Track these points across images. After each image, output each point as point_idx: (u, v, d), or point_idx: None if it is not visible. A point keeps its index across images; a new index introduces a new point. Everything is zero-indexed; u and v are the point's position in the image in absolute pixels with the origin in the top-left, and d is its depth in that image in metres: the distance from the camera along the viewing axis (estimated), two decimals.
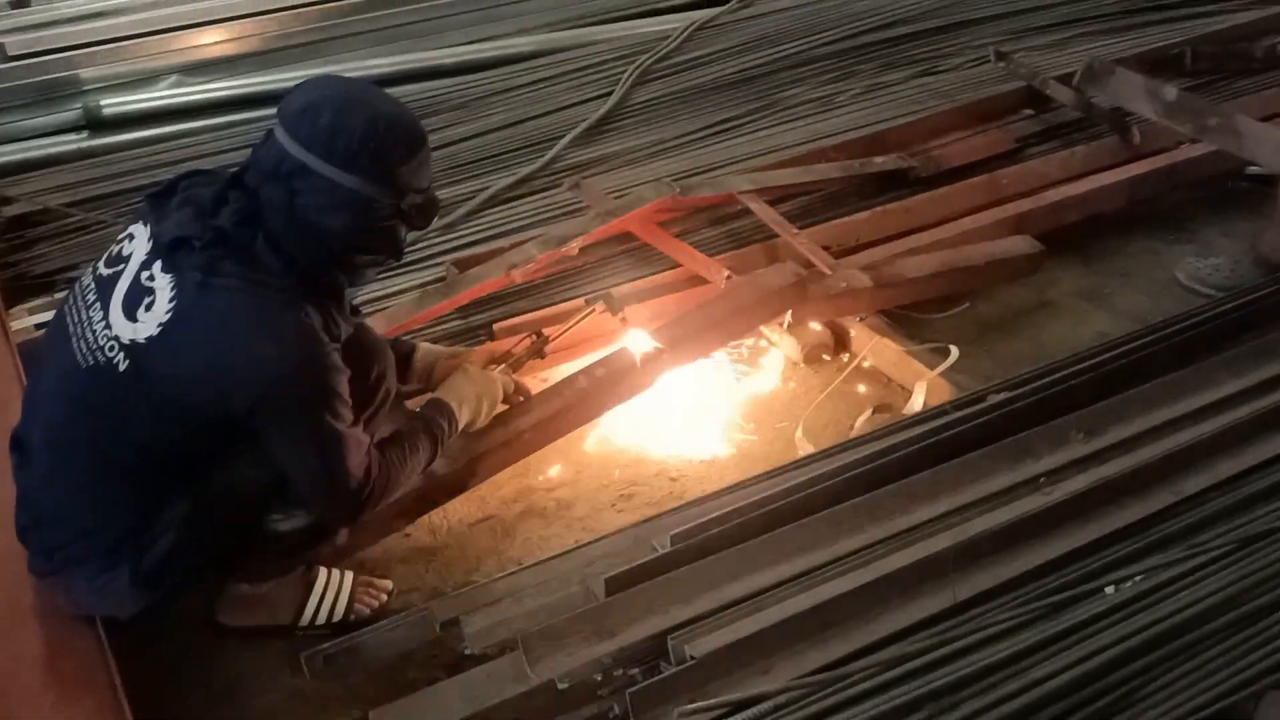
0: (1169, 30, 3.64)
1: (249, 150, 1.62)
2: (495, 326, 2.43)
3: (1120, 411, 1.93)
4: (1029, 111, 3.21)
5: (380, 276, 2.47)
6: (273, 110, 1.59)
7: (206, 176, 1.62)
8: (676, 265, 2.59)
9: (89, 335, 1.58)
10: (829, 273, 2.45)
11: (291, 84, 1.62)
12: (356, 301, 2.21)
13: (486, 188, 3.03)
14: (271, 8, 3.99)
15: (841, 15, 3.89)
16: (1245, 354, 2.03)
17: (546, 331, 2.15)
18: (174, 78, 3.78)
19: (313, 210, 1.52)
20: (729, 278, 2.43)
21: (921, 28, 3.78)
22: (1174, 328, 2.12)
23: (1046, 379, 2.02)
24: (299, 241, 1.54)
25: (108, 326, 1.56)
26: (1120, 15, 3.79)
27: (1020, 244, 2.63)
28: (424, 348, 2.02)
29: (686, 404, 2.32)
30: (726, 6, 4.05)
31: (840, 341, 2.52)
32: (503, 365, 2.03)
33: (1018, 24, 3.77)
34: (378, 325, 2.27)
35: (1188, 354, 2.07)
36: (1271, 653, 1.49)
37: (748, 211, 2.74)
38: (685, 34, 3.83)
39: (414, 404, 2.02)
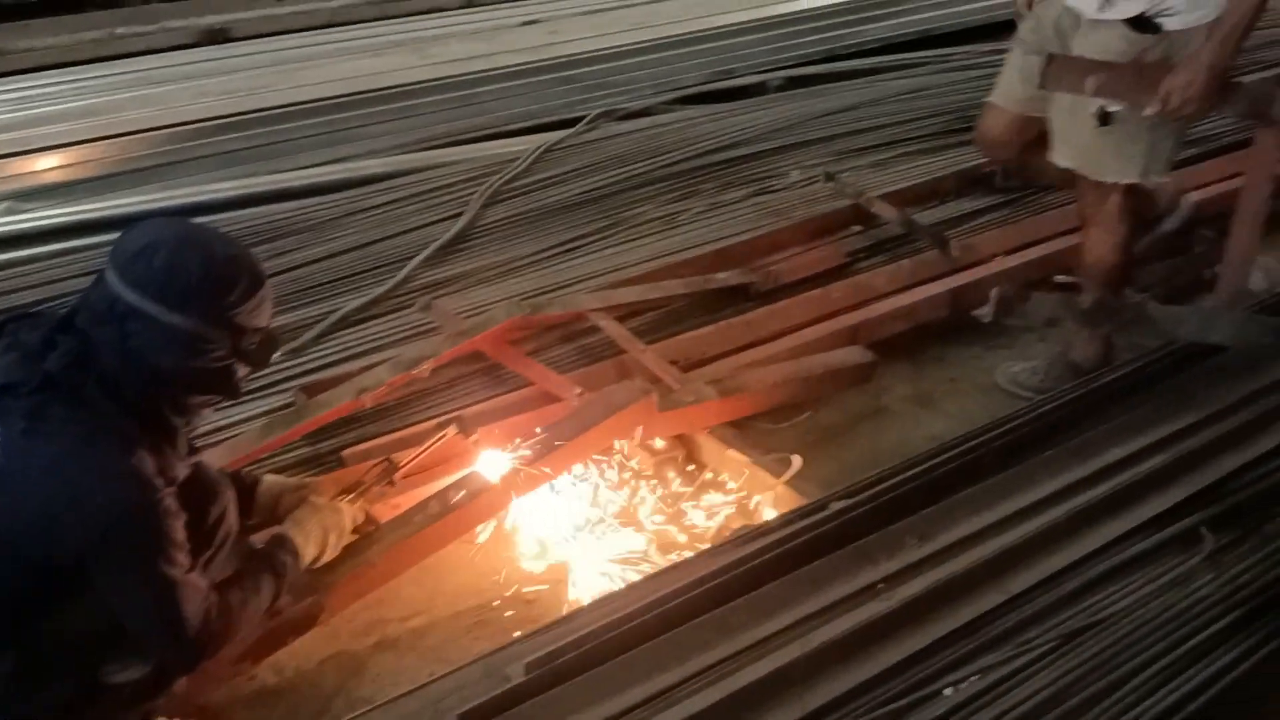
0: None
1: (87, 278, 1.59)
2: (344, 453, 2.40)
3: (950, 514, 2.03)
4: (858, 228, 3.42)
5: (224, 406, 2.42)
6: (113, 236, 1.57)
7: (32, 320, 1.58)
8: (528, 384, 2.63)
9: None
10: (676, 387, 2.53)
11: (133, 209, 1.63)
12: (198, 433, 2.16)
13: (337, 310, 3.02)
14: (113, 132, 3.93)
15: (683, 138, 4.08)
16: (1060, 455, 2.18)
17: (397, 457, 2.14)
18: (5, 204, 3.66)
19: (147, 352, 1.50)
20: (580, 395, 2.48)
21: (757, 149, 3.99)
22: (996, 431, 2.26)
23: (882, 485, 2.12)
24: (132, 384, 1.52)
25: None
26: (939, 135, 4.08)
27: (854, 354, 2.77)
28: (268, 480, 1.99)
29: (541, 523, 2.32)
30: (574, 129, 4.19)
31: (690, 454, 2.58)
32: (351, 495, 2.01)
33: (845, 145, 4.02)
34: (220, 457, 2.23)
35: (1009, 456, 2.20)
36: None
37: (598, 328, 2.81)
38: (534, 155, 3.94)
39: (260, 538, 1.97)
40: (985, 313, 2.56)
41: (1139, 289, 2.92)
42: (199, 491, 1.68)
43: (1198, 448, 2.18)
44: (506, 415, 2.53)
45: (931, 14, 5.34)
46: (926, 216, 3.45)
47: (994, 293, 2.51)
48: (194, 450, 1.73)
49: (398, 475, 2.09)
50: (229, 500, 1.77)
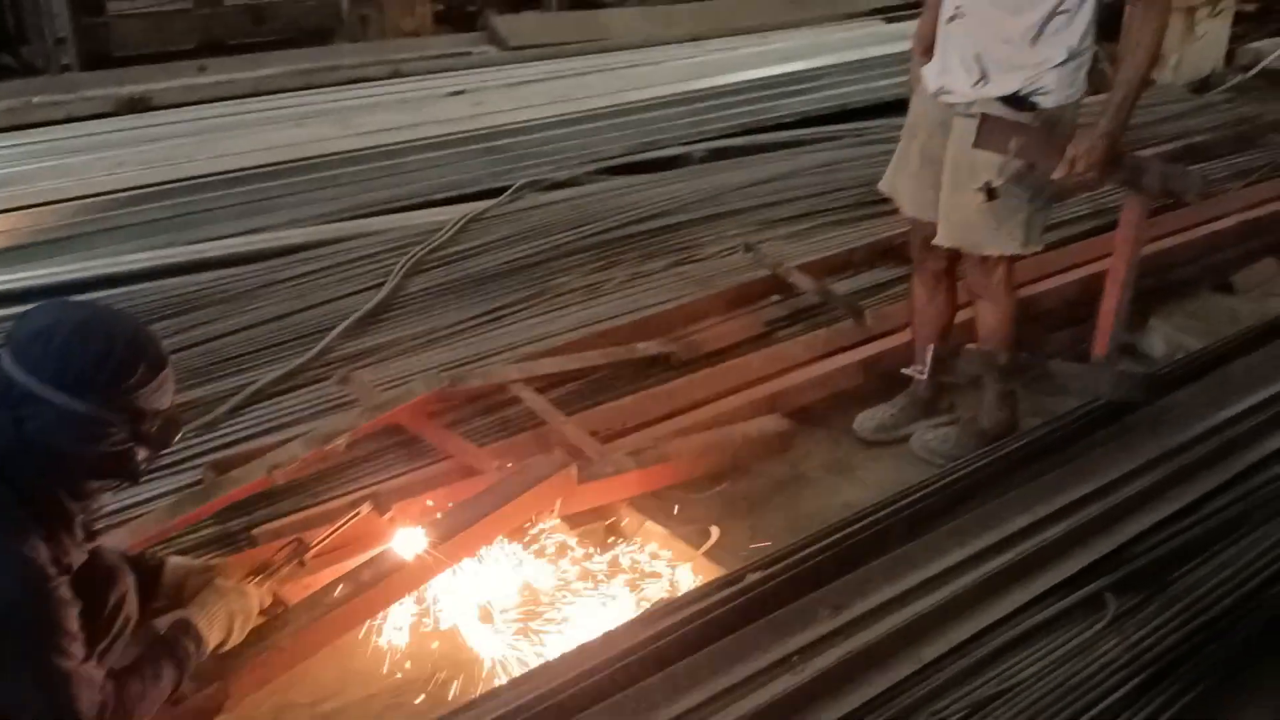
0: (896, 221, 4.06)
1: None
2: (254, 532, 2.35)
3: (863, 584, 2.05)
4: (776, 297, 3.48)
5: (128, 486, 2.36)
6: (22, 309, 1.54)
7: None
8: (447, 457, 2.61)
9: None
10: (596, 459, 2.53)
11: (45, 281, 1.60)
12: (100, 513, 2.10)
13: (252, 383, 2.98)
14: (26, 203, 3.85)
15: (606, 208, 4.14)
16: (968, 523, 2.22)
17: (309, 536, 2.10)
18: None
19: (42, 437, 1.47)
20: (499, 468, 2.47)
21: (679, 220, 4.06)
22: (906, 500, 2.30)
23: (797, 556, 2.14)
24: (26, 469, 1.48)
25: None
26: (854, 207, 4.19)
27: (771, 423, 2.81)
28: (173, 563, 1.94)
29: (458, 601, 2.29)
30: (498, 199, 4.23)
31: (611, 526, 2.58)
32: (260, 576, 1.97)
33: (765, 216, 4.10)
34: (124, 537, 2.17)
35: (919, 524, 2.24)
36: None
37: (518, 399, 2.81)
38: (458, 225, 3.96)
39: (163, 623, 1.91)
40: (919, 370, 2.67)
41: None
42: (97, 577, 1.63)
43: (1100, 513, 2.24)
44: (424, 490, 2.51)
45: (847, 89, 5.51)
46: (842, 286, 3.53)
47: (928, 350, 2.63)
48: (92, 535, 1.68)
49: (309, 555, 2.05)
50: (129, 586, 1.73)
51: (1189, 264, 3.83)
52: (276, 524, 2.38)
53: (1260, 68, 6.23)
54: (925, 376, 2.74)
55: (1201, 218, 4.00)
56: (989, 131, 2.43)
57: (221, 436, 2.76)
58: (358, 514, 2.14)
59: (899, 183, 2.79)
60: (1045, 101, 2.48)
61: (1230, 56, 6.46)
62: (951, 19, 2.53)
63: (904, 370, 2.81)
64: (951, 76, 2.55)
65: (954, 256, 2.74)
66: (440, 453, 2.63)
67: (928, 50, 2.67)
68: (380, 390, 2.80)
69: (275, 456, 2.45)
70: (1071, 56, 2.46)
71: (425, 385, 2.69)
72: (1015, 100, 2.48)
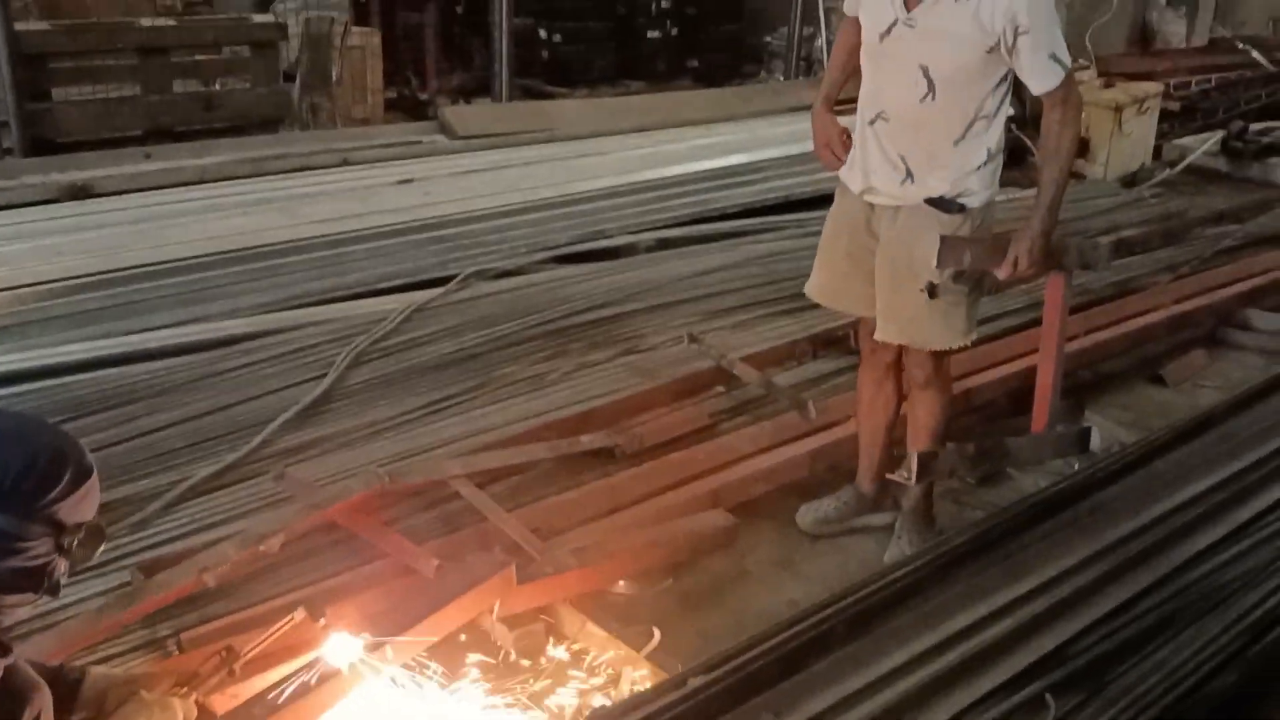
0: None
1: None
2: (183, 636, 2.27)
3: (806, 689, 2.03)
4: (721, 388, 3.50)
5: None
6: None
7: None
8: (385, 556, 2.56)
9: None
10: (537, 557, 2.50)
11: None
12: (19, 619, 2.02)
13: (187, 478, 2.92)
14: None
15: (553, 298, 4.16)
16: (909, 622, 2.22)
17: (239, 643, 2.04)
18: None
19: None
20: (438, 567, 2.43)
21: (625, 310, 4.09)
22: (848, 600, 2.29)
23: (739, 659, 2.11)
24: None
25: None
26: (798, 297, 4.23)
27: (715, 517, 2.81)
28: (94, 674, 1.87)
29: (393, 709, 2.23)
30: (444, 289, 4.23)
31: (551, 627, 2.53)
32: (186, 687, 1.90)
33: (710, 307, 4.15)
34: (46, 645, 2.10)
35: (861, 625, 2.23)
36: None
37: (459, 494, 2.78)
38: (403, 315, 3.95)
39: None
40: (906, 475, 2.70)
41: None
42: (10, 695, 1.56)
43: (1039, 612, 2.25)
44: (361, 590, 2.46)
45: (790, 180, 5.63)
46: (786, 377, 3.57)
47: (912, 457, 2.66)
48: (6, 649, 1.61)
49: (238, 664, 1.99)
50: (45, 702, 1.66)
51: (1121, 356, 3.94)
52: (206, 628, 2.31)
53: (1185, 164, 6.49)
54: (914, 482, 2.75)
55: (1133, 311, 4.12)
56: (947, 250, 2.52)
57: (152, 535, 2.69)
58: (291, 620, 2.08)
59: (830, 285, 2.84)
60: (971, 202, 2.57)
61: (1157, 152, 6.73)
62: (873, 121, 2.60)
63: (889, 476, 2.81)
64: (877, 177, 2.61)
65: (901, 348, 2.79)
66: (378, 551, 2.58)
67: (832, 101, 2.76)
68: (317, 486, 2.75)
69: (206, 558, 2.39)
70: (990, 158, 2.56)
71: (363, 482, 2.65)
72: (943, 203, 2.55)
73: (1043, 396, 2.84)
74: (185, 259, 4.04)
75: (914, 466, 2.68)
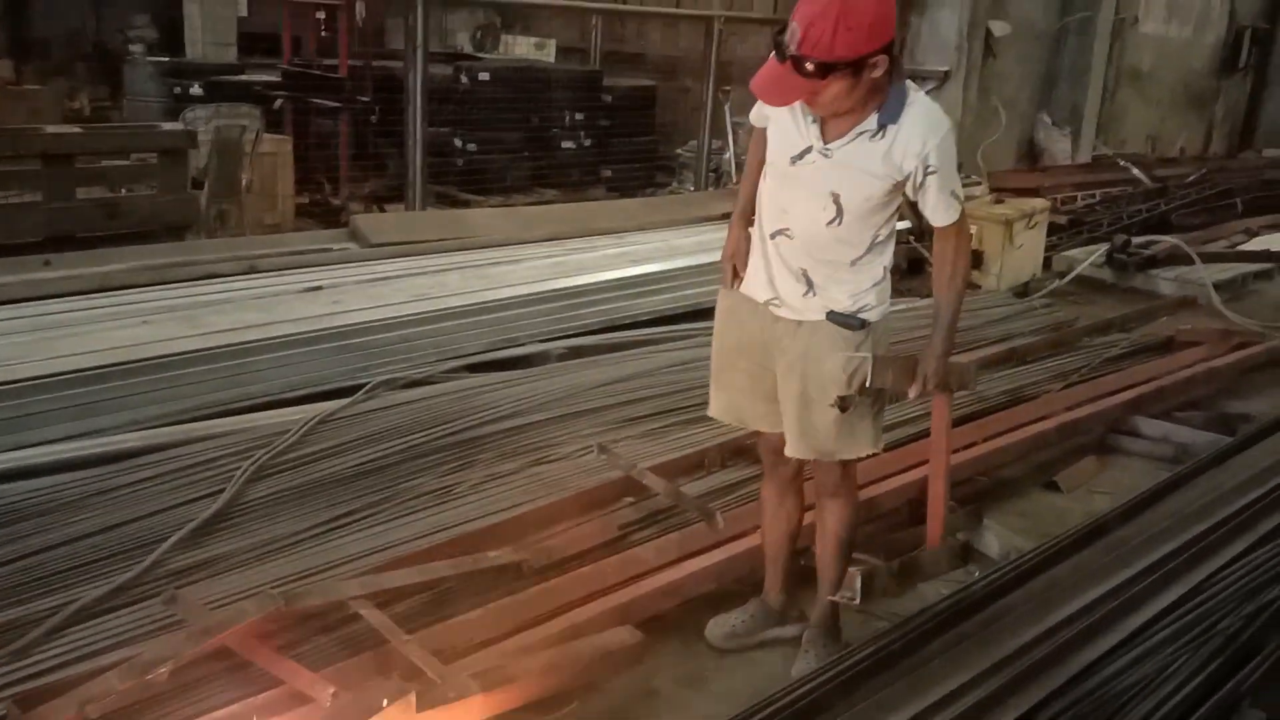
0: None
1: None
2: None
3: None
4: (630, 499, 3.50)
5: None
6: None
7: None
8: (279, 683, 2.47)
9: None
10: (439, 681, 2.44)
11: None
12: None
13: (73, 602, 2.79)
14: None
15: (462, 408, 4.13)
16: None
17: None
18: None
19: None
20: (334, 695, 2.35)
21: (536, 419, 4.08)
22: (755, 717, 2.28)
23: None
24: None
25: None
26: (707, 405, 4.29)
27: (622, 634, 2.77)
28: None
29: None
30: (351, 399, 4.18)
31: None
32: None
33: (620, 415, 4.17)
34: None
35: None
36: None
37: (359, 615, 2.71)
38: (306, 427, 3.87)
39: None
40: (851, 595, 2.76)
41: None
42: None
43: (972, 705, 2.26)
44: None
45: (700, 289, 5.74)
46: (695, 487, 3.59)
47: (856, 575, 2.74)
48: None
49: None
50: None
51: (1016, 463, 4.06)
52: None
53: (1074, 275, 6.82)
54: (858, 602, 2.81)
55: (1026, 419, 4.26)
56: (879, 368, 2.62)
57: (34, 664, 2.55)
58: None
59: (733, 405, 2.88)
60: (871, 316, 2.65)
61: (1047, 264, 7.07)
62: (775, 235, 2.67)
63: (831, 598, 2.86)
64: (782, 287, 2.68)
65: (803, 461, 2.83)
66: (272, 679, 2.49)
67: (748, 215, 2.81)
68: (210, 610, 2.66)
69: (89, 689, 2.28)
70: (885, 275, 2.66)
71: (257, 606, 2.57)
72: (845, 319, 2.63)
73: (935, 509, 2.92)
74: (81, 370, 3.91)
75: (857, 587, 2.77)
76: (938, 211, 2.55)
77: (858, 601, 2.77)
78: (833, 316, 2.64)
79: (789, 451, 2.74)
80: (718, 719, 2.42)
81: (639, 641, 2.76)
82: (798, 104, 2.49)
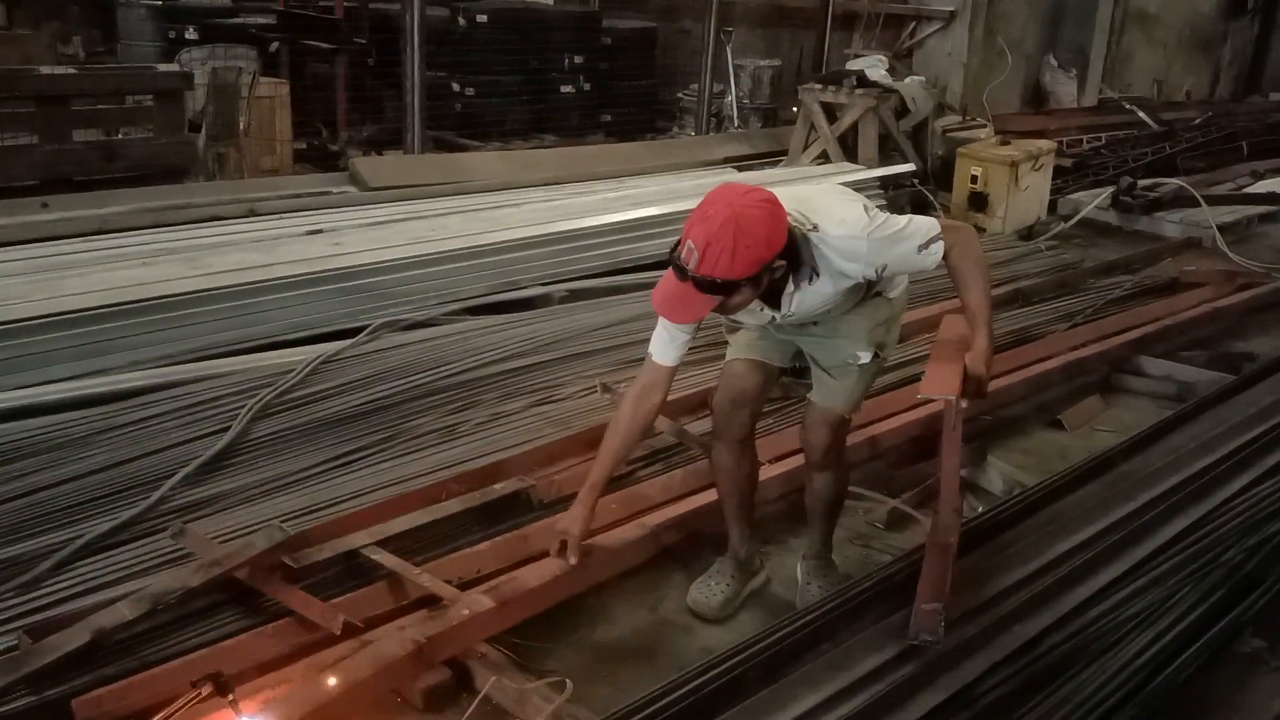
0: None
1: None
2: (75, 702, 2.17)
3: None
4: None
5: None
6: None
7: None
8: (289, 612, 2.49)
9: None
10: (451, 603, 2.47)
11: None
12: None
13: (80, 536, 2.80)
14: None
15: (465, 349, 4.13)
16: (820, 667, 2.24)
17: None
18: None
19: None
20: (343, 623, 2.38)
21: (538, 360, 4.08)
22: (759, 645, 2.29)
23: (652, 708, 2.10)
24: None
25: None
26: (707, 347, 4.26)
27: (633, 531, 2.85)
28: None
29: None
30: (353, 340, 4.17)
31: (463, 680, 2.48)
32: None
33: (622, 357, 4.16)
34: None
35: (774, 669, 2.24)
36: None
37: (366, 548, 2.73)
38: (310, 367, 3.87)
39: None
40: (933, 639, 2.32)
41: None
42: None
43: (945, 652, 2.28)
44: (264, 649, 2.39)
45: None
46: (698, 426, 3.59)
47: (935, 611, 2.35)
48: None
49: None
50: None
51: (1020, 402, 4.06)
52: (100, 692, 2.21)
53: (1079, 217, 6.78)
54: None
55: (1031, 359, 4.26)
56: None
57: (43, 596, 2.57)
58: (198, 695, 2.00)
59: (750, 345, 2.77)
60: (893, 293, 2.65)
61: (1052, 207, 7.02)
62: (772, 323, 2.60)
63: (911, 642, 2.32)
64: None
65: (756, 422, 2.81)
66: (281, 607, 2.51)
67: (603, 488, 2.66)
68: (217, 544, 2.67)
69: (100, 618, 2.30)
70: (896, 275, 2.60)
71: (266, 539, 2.58)
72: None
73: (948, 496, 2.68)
74: (83, 310, 3.89)
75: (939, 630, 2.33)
76: (927, 265, 2.43)
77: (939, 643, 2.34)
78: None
79: (817, 397, 2.69)
80: (722, 648, 2.43)
81: (648, 534, 2.83)
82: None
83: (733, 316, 2.62)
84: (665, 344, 2.56)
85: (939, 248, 2.40)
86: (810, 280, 2.41)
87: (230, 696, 2.01)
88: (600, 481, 2.62)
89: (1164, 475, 3.19)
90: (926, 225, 2.41)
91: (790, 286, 2.41)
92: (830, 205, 2.44)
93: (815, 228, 2.37)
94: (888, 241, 2.38)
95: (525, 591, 2.58)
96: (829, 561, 2.93)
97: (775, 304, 2.46)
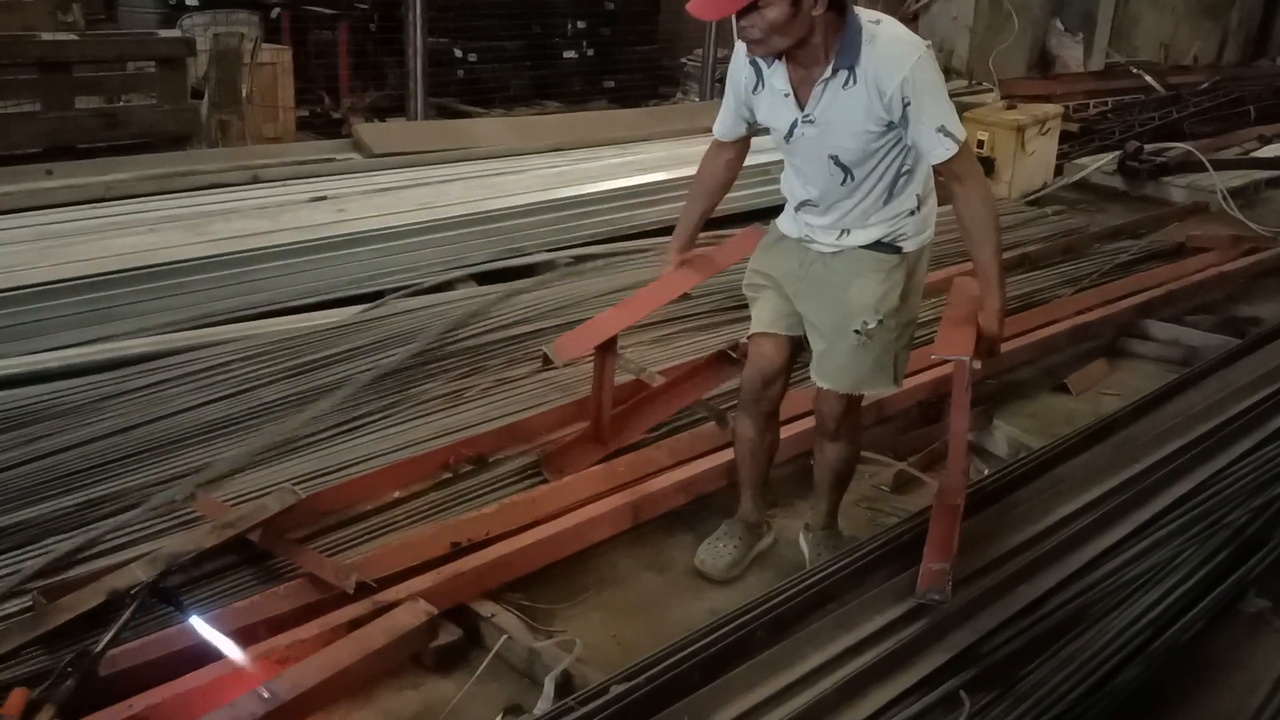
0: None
1: None
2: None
3: (725, 693, 2.05)
4: None
5: None
6: None
7: None
8: (302, 573, 2.51)
9: None
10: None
11: None
12: None
13: (90, 500, 2.82)
14: None
15: (470, 315, 4.13)
16: (827, 626, 2.25)
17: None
18: None
19: None
20: (355, 582, 2.40)
21: (543, 326, 4.08)
22: (765, 605, 2.31)
23: (660, 666, 2.12)
24: None
25: None
26: (712, 313, 4.28)
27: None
28: None
29: None
30: (360, 308, 4.17)
31: (470, 635, 2.50)
32: None
33: None
34: None
35: (780, 629, 2.26)
36: None
37: (376, 509, 2.75)
38: (315, 333, 3.87)
39: None
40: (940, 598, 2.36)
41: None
42: None
43: (952, 611, 2.30)
44: (275, 609, 2.41)
45: None
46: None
47: (942, 571, 2.37)
48: None
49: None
50: None
51: (1026, 365, 4.06)
52: (115, 652, 2.23)
53: (1079, 177, 6.75)
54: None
55: (1037, 323, 4.26)
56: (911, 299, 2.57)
57: (56, 558, 2.59)
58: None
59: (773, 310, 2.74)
60: (907, 245, 2.56)
61: (1058, 171, 6.98)
62: (800, 208, 2.60)
63: (919, 600, 2.37)
64: (815, 234, 2.60)
65: (783, 396, 2.78)
66: (293, 567, 2.53)
67: (688, 244, 2.86)
68: (228, 507, 2.69)
69: (115, 579, 2.32)
70: (921, 202, 2.55)
71: (278, 502, 2.60)
72: (879, 245, 2.55)
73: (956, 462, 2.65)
74: (88, 277, 3.90)
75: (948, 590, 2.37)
76: (925, 148, 2.37)
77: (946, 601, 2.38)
78: (864, 246, 2.56)
79: (814, 375, 2.66)
80: (729, 608, 2.45)
81: None
82: (773, 81, 2.41)
83: (760, 118, 2.56)
84: (724, 123, 2.67)
85: (950, 150, 2.34)
86: (846, 84, 2.34)
87: None
88: (686, 238, 2.90)
89: (1169, 438, 3.20)
90: (960, 127, 2.37)
91: (827, 71, 2.35)
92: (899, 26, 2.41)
93: (878, 22, 2.36)
94: (931, 83, 2.33)
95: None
96: (836, 533, 2.91)
97: (803, 95, 2.40)
